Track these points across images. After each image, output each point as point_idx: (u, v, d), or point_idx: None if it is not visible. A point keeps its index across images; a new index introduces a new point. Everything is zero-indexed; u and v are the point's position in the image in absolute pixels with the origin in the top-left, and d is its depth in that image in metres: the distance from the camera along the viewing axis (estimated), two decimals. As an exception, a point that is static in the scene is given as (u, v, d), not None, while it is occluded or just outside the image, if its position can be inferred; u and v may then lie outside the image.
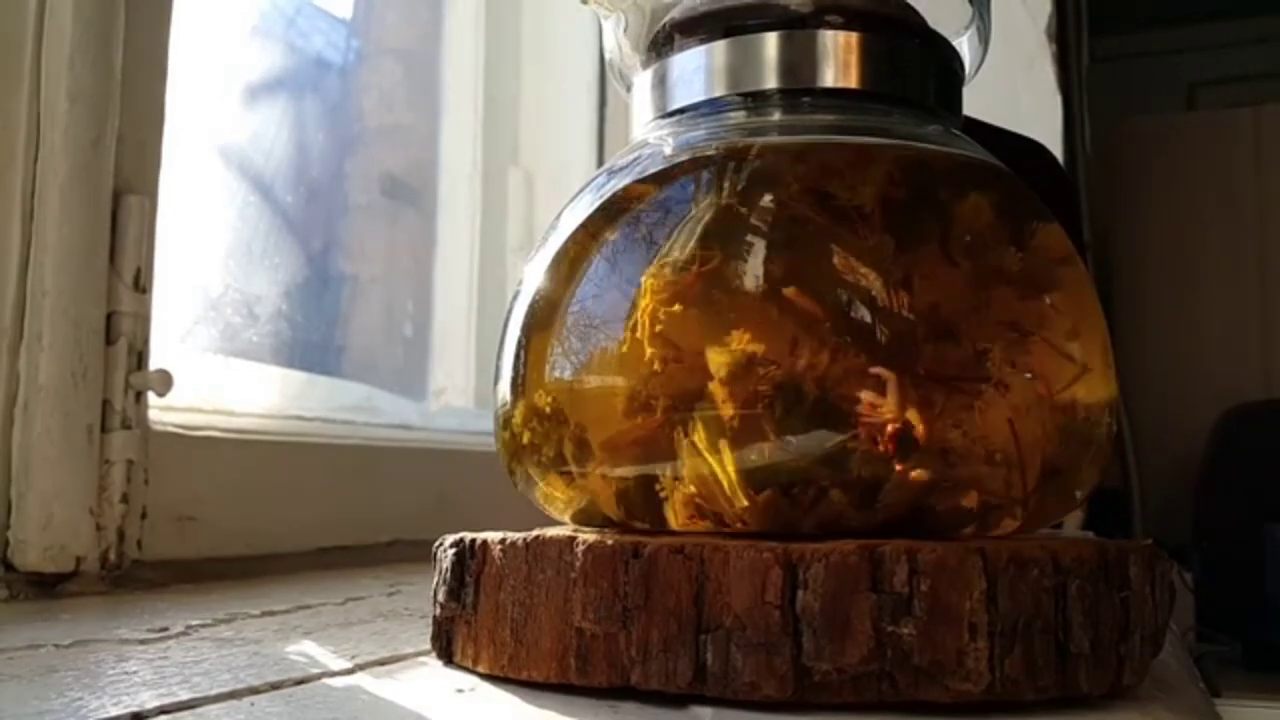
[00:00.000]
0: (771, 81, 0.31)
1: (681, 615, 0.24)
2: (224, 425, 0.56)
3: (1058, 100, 1.16)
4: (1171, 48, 1.91)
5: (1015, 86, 1.12)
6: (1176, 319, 1.58)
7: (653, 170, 0.31)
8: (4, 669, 0.28)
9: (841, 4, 0.31)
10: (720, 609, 0.24)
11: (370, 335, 0.84)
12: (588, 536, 0.26)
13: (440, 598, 0.29)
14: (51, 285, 0.44)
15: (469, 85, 0.95)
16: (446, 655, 0.29)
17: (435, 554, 0.29)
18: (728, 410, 0.26)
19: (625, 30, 0.34)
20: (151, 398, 0.49)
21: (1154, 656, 0.26)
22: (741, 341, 0.26)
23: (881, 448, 0.26)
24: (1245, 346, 1.56)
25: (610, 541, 0.25)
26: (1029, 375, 0.27)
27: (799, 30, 0.31)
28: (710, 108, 0.31)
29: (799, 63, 0.31)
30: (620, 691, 0.25)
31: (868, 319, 0.27)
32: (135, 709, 0.24)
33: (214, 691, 0.26)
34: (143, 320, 0.48)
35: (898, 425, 0.26)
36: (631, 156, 0.32)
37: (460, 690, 0.26)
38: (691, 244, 0.28)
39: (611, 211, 0.30)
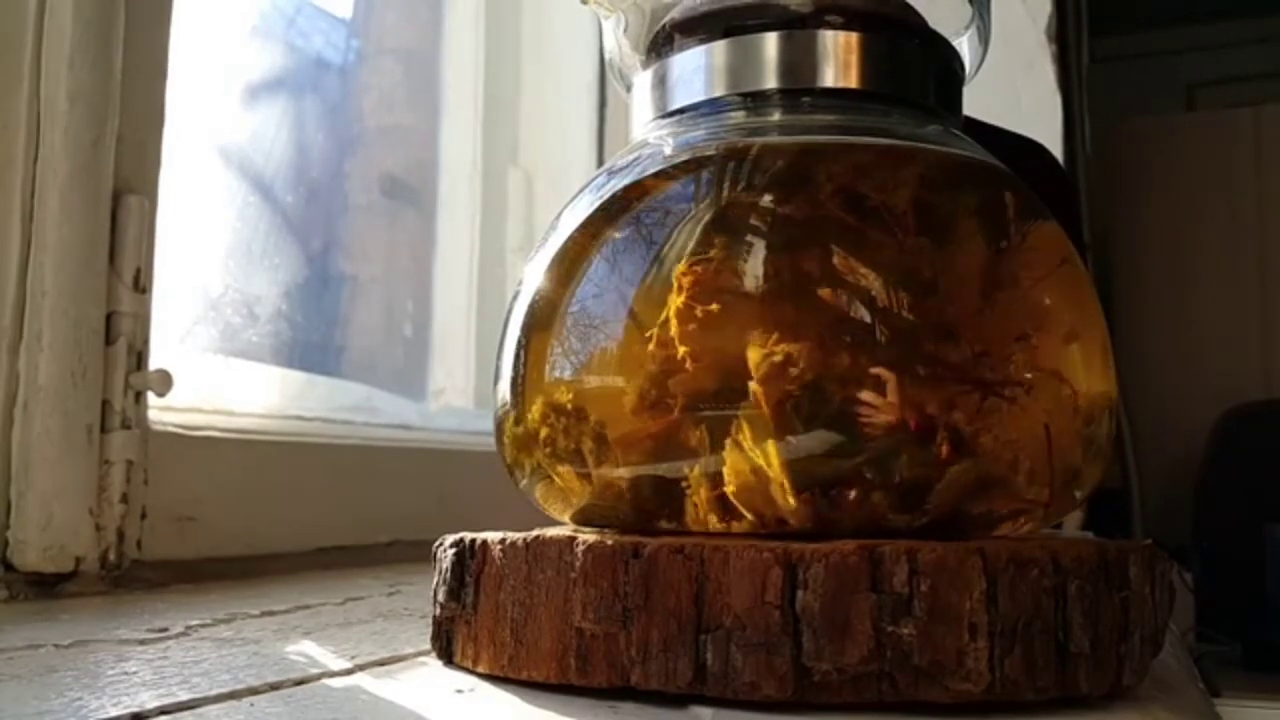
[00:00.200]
0: (771, 81, 0.31)
1: (681, 615, 0.24)
2: (224, 425, 0.56)
3: (1057, 100, 1.16)
4: (1171, 48, 1.91)
5: (1015, 86, 1.12)
6: (1176, 319, 1.58)
7: (653, 170, 0.31)
8: (4, 669, 0.28)
9: (841, 4, 0.31)
10: (720, 609, 0.24)
11: (370, 335, 0.84)
12: (588, 536, 0.26)
13: (440, 598, 0.29)
14: (51, 285, 0.44)
15: (469, 85, 0.95)
16: (446, 655, 0.29)
17: (435, 554, 0.29)
18: (772, 410, 0.26)
19: (625, 30, 0.34)
20: (151, 398, 0.49)
21: (1154, 657, 0.26)
22: (782, 341, 0.26)
23: (935, 450, 0.26)
24: (1245, 346, 1.56)
25: (610, 541, 0.25)
26: (1059, 378, 0.28)
27: (799, 30, 0.31)
28: (710, 108, 0.31)
29: (799, 63, 0.31)
30: (620, 692, 0.25)
31: (909, 320, 0.27)
32: (135, 709, 0.24)
33: (214, 692, 0.26)
34: (142, 320, 0.48)
35: (948, 428, 0.26)
36: (631, 157, 0.32)
37: (460, 690, 0.26)
38: (723, 242, 0.28)
39: (611, 211, 0.30)
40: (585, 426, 0.28)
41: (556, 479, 0.29)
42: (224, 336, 0.66)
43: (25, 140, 0.44)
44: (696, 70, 0.31)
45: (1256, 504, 1.20)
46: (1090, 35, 1.48)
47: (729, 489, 0.26)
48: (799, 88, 0.31)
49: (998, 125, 0.39)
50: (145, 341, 0.48)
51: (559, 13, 1.00)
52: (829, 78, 0.30)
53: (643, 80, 0.33)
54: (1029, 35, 1.15)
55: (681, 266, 0.27)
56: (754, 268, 0.27)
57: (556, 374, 0.29)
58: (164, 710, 0.24)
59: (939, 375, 0.26)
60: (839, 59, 0.30)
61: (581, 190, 0.32)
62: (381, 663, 0.30)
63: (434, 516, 0.67)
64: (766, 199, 0.28)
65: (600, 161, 0.97)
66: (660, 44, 0.33)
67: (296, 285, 0.74)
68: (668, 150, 0.31)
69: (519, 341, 0.30)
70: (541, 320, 0.30)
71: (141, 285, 0.47)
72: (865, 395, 0.26)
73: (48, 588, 0.44)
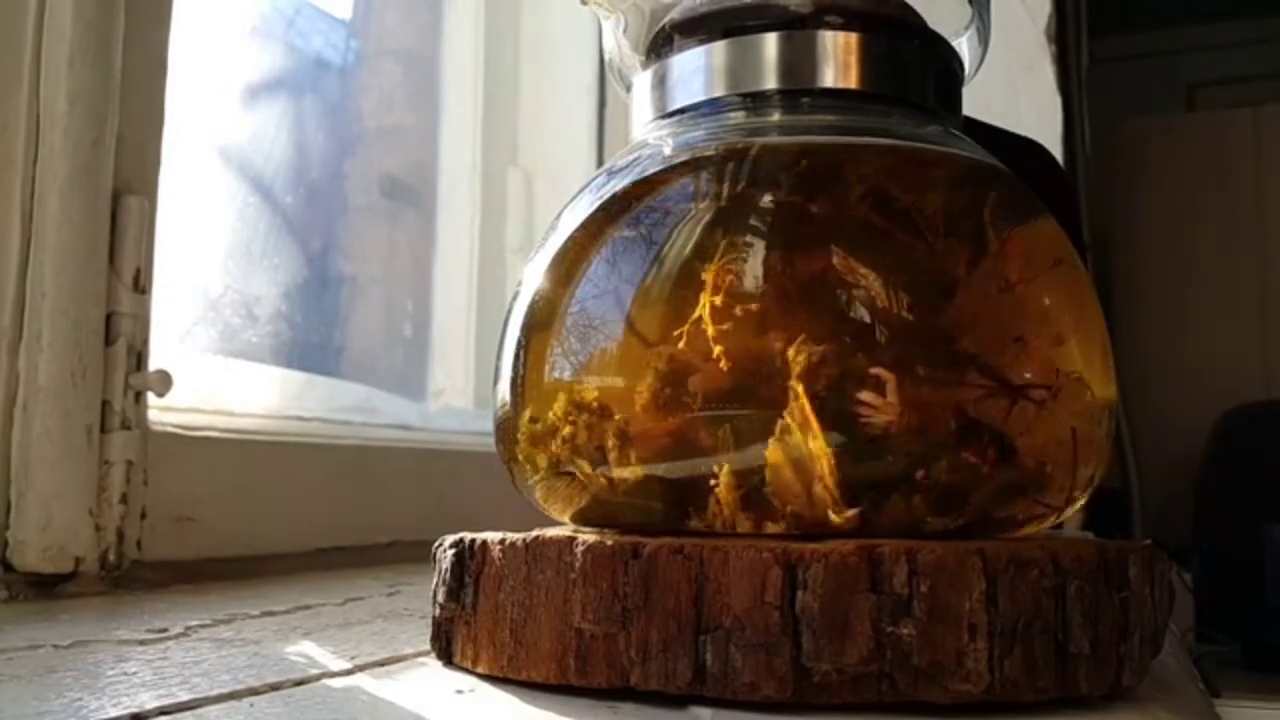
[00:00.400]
0: (771, 82, 0.31)
1: (681, 616, 0.24)
2: (223, 426, 0.56)
3: (1057, 101, 1.16)
4: (1171, 49, 1.91)
5: (1015, 87, 1.12)
6: (1176, 319, 1.58)
7: (652, 171, 0.31)
8: (4, 669, 0.28)
9: (841, 4, 0.31)
10: (720, 609, 0.24)
11: (370, 336, 0.84)
12: (587, 537, 0.26)
13: (440, 598, 0.29)
14: (51, 286, 0.44)
15: (469, 86, 0.95)
16: (446, 656, 0.29)
17: (435, 554, 0.29)
18: (815, 410, 0.26)
19: (625, 31, 0.34)
20: (151, 398, 0.49)
21: (1153, 657, 0.26)
22: (823, 341, 0.26)
23: (981, 454, 0.26)
24: (1245, 346, 1.56)
25: (610, 542, 0.25)
26: (1082, 381, 0.28)
27: (798, 31, 0.31)
28: (710, 108, 0.31)
29: (798, 63, 0.31)
30: (620, 692, 0.25)
31: (945, 323, 0.27)
32: (135, 710, 0.24)
33: (213, 692, 0.26)
34: (142, 321, 0.48)
35: (992, 431, 0.26)
36: (631, 157, 0.32)
37: (460, 691, 0.26)
38: (756, 242, 0.27)
39: (611, 212, 0.30)
40: (610, 424, 0.28)
41: (578, 474, 0.29)
42: (223, 337, 0.66)
43: (25, 141, 0.44)
44: (696, 71, 0.31)
45: (1256, 504, 1.20)
46: (1090, 36, 1.48)
47: (768, 490, 0.26)
48: (798, 88, 0.31)
49: (997, 125, 0.39)
50: (145, 342, 0.48)
51: (559, 13, 1.00)
52: (829, 78, 0.30)
53: (642, 81, 0.33)
54: (1029, 36, 1.15)
55: (715, 265, 0.27)
56: (791, 268, 0.27)
57: (557, 374, 0.29)
58: (164, 711, 0.24)
59: (978, 380, 0.26)
60: (838, 59, 0.30)
61: (581, 190, 0.32)
62: (381, 663, 0.30)
63: (434, 517, 0.67)
64: (799, 199, 0.28)
65: (600, 162, 0.97)
66: (660, 44, 0.33)
67: (296, 286, 0.74)
68: (667, 151, 0.31)
69: (519, 342, 0.30)
70: (542, 320, 0.30)
71: (141, 285, 0.47)
72: (914, 397, 0.26)
73: (47, 588, 0.44)
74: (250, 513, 0.55)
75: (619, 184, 0.31)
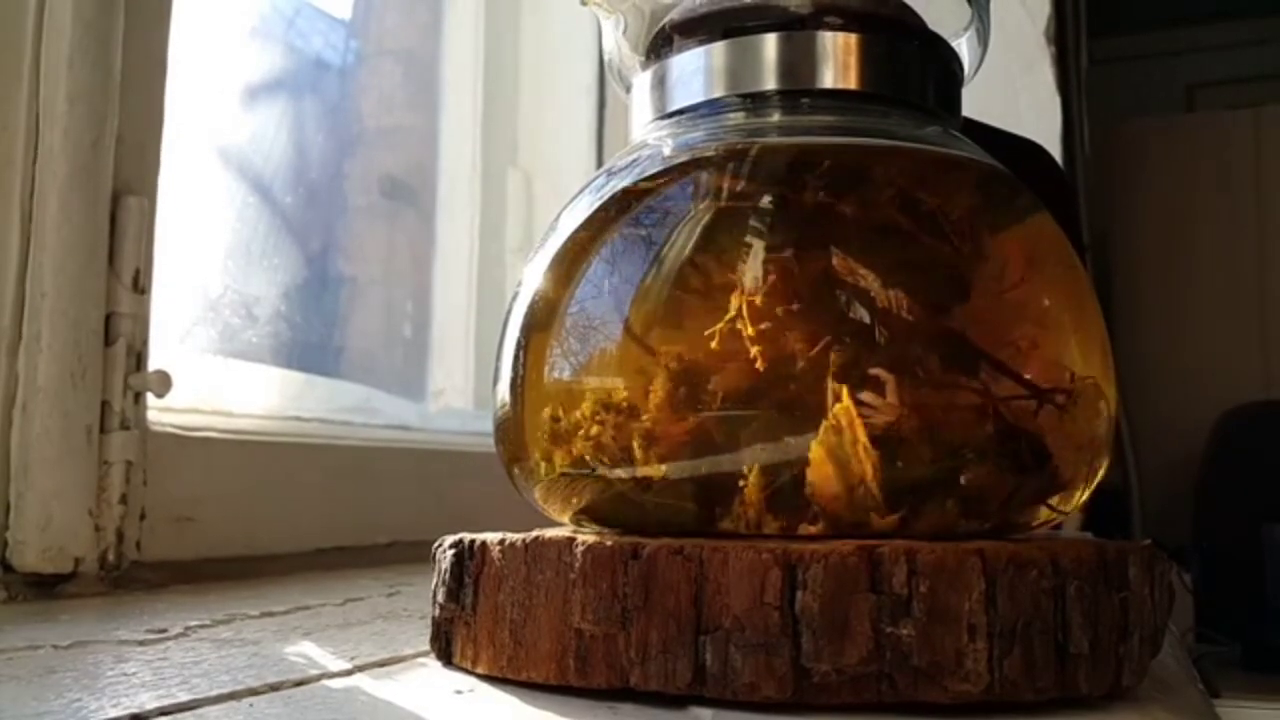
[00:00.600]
0: (771, 83, 0.31)
1: (681, 616, 0.24)
2: (223, 426, 0.56)
3: (1056, 102, 1.16)
4: (1170, 50, 1.91)
5: (1014, 88, 1.12)
6: (1175, 320, 1.58)
7: (652, 171, 0.31)
8: (3, 670, 0.28)
9: (840, 5, 0.31)
10: (719, 610, 0.24)
11: (369, 336, 0.84)
12: (587, 537, 0.26)
13: (439, 599, 0.29)
14: (50, 286, 0.44)
15: (468, 86, 0.95)
16: (446, 656, 0.29)
17: (434, 555, 0.29)
18: (856, 413, 0.26)
19: (625, 31, 0.34)
20: (150, 399, 0.49)
21: (1153, 657, 0.26)
22: (859, 343, 0.26)
23: (1019, 458, 0.26)
24: (1244, 346, 1.56)
25: (609, 542, 0.25)
26: (1097, 385, 0.28)
27: (798, 31, 0.31)
28: (709, 109, 0.31)
29: (798, 64, 0.31)
30: (619, 693, 0.25)
31: (990, 328, 0.27)
32: (134, 710, 0.24)
33: (213, 693, 0.26)
34: (141, 321, 0.48)
35: (1029, 435, 0.26)
36: (631, 158, 0.32)
37: (459, 691, 0.26)
38: (789, 242, 0.27)
39: (611, 212, 0.30)
40: (636, 424, 0.27)
41: (602, 474, 0.28)
42: (223, 337, 0.66)
43: (25, 141, 0.44)
44: (696, 71, 0.31)
45: (1256, 504, 1.20)
46: (1089, 36, 1.48)
47: (808, 491, 0.26)
48: (798, 89, 0.31)
49: (997, 126, 0.39)
50: (144, 342, 0.48)
51: (559, 13, 1.00)
52: (828, 79, 0.30)
53: (642, 81, 0.33)
54: (1028, 36, 1.15)
55: (753, 264, 0.27)
56: (827, 269, 0.27)
57: (556, 374, 0.29)
58: (163, 711, 0.24)
59: (1011, 385, 0.26)
60: (838, 60, 0.30)
61: (581, 191, 0.32)
62: (381, 663, 0.30)
63: (433, 517, 0.67)
64: (825, 198, 0.28)
65: (600, 162, 0.97)
66: (659, 45, 0.33)
67: (296, 286, 0.74)
68: (667, 151, 0.31)
69: (519, 342, 0.30)
70: (541, 321, 0.30)
71: (141, 286, 0.47)
72: (958, 401, 0.26)
73: (47, 588, 0.44)
74: (250, 513, 0.55)
75: (619, 184, 0.31)
